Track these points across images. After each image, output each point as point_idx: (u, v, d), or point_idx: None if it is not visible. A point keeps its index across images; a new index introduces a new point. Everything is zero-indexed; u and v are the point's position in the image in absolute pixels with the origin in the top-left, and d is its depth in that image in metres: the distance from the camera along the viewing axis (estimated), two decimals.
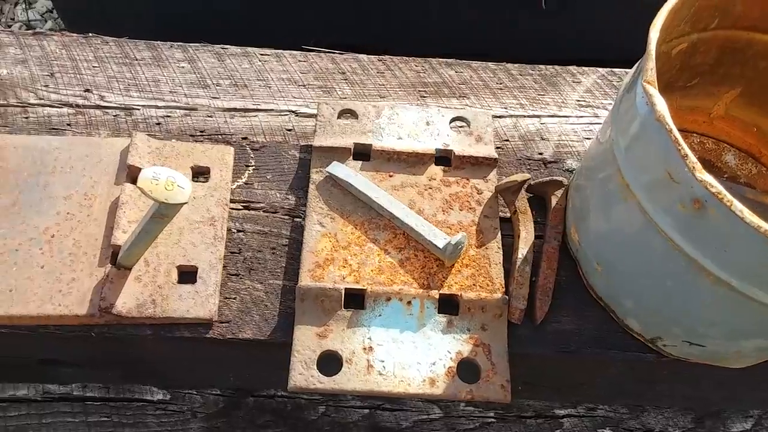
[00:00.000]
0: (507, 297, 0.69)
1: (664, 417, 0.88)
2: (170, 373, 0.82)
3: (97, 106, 0.94)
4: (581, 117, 1.00)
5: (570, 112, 1.01)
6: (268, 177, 0.81)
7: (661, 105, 0.53)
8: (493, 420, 0.87)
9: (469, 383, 0.65)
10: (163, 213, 0.58)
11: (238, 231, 0.76)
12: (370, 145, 0.79)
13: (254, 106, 0.96)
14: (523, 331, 0.71)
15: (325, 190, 0.76)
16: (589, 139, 0.98)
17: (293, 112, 0.96)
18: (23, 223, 0.70)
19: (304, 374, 0.65)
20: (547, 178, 0.78)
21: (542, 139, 0.96)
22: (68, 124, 0.89)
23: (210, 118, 0.93)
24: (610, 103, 1.04)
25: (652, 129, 0.53)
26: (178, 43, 1.04)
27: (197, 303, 0.68)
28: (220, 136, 0.86)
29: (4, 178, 0.72)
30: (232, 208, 0.77)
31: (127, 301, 0.66)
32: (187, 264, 0.70)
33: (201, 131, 0.88)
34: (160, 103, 0.95)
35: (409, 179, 0.78)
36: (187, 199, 0.57)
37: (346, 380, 0.64)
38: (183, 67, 1.01)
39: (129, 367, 0.80)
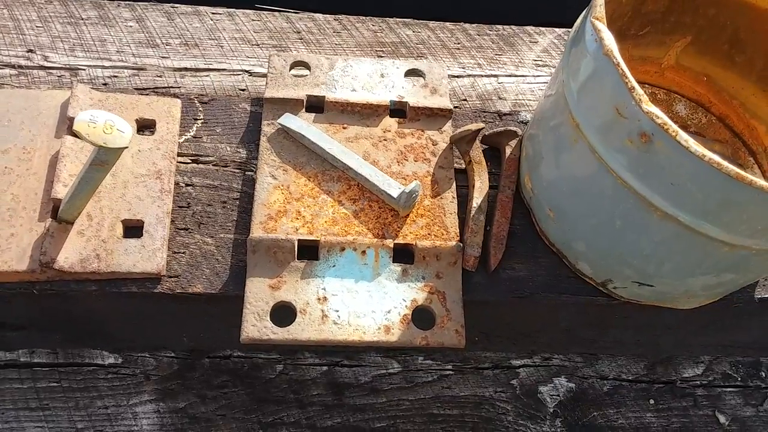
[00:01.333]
0: (461, 245, 0.69)
1: (617, 364, 0.90)
2: (121, 335, 0.80)
3: (41, 67, 0.90)
4: (538, 77, 1.00)
5: (527, 72, 1.01)
6: (217, 130, 0.78)
7: (609, 39, 0.53)
8: (450, 372, 0.87)
9: (423, 329, 0.65)
10: (102, 159, 0.56)
11: (187, 185, 0.73)
12: (324, 96, 0.77)
13: (206, 66, 0.93)
14: (478, 279, 0.71)
15: (276, 143, 0.75)
16: None
17: (247, 71, 0.94)
18: None
19: (257, 325, 0.63)
20: (502, 128, 0.77)
21: (499, 98, 0.95)
22: (10, 86, 0.85)
23: (159, 78, 0.90)
24: None
25: (601, 65, 0.53)
26: (126, 2, 1.00)
27: (144, 257, 0.66)
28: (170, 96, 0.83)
29: None
30: (180, 162, 0.74)
31: (70, 255, 0.63)
32: (133, 218, 0.67)
33: (152, 91, 0.85)
34: (107, 63, 0.91)
35: (363, 131, 0.77)
36: (128, 143, 0.55)
37: (300, 330, 0.64)
38: (131, 26, 0.97)
39: (77, 328, 0.78)
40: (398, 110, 0.80)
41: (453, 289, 0.68)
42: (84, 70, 0.90)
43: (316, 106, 0.78)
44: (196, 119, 0.79)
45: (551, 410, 0.86)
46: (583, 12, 0.64)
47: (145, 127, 0.74)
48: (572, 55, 0.60)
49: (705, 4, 0.75)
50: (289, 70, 0.81)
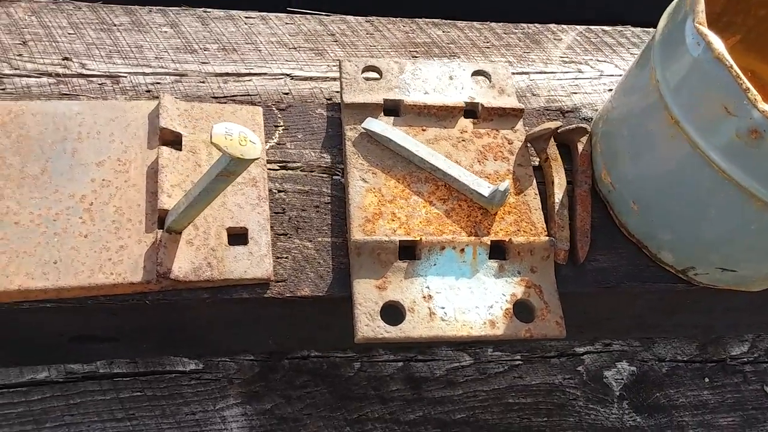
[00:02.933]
0: (553, 239, 0.72)
1: (672, 347, 0.95)
2: (207, 340, 0.81)
3: (80, 75, 0.89)
4: (566, 73, 1.04)
5: (556, 69, 1.05)
6: (299, 137, 0.80)
7: (718, 44, 0.56)
8: (520, 362, 0.91)
9: (526, 322, 0.68)
10: (231, 170, 0.57)
11: (279, 191, 0.74)
12: (401, 100, 0.80)
13: (247, 71, 0.94)
14: (566, 271, 0.74)
15: (362, 147, 0.76)
16: (576, 93, 1.02)
17: (288, 75, 0.95)
18: (57, 192, 0.66)
19: (370, 325, 0.65)
20: (573, 126, 0.81)
21: (533, 94, 0.99)
22: (50, 95, 0.84)
23: (203, 84, 0.90)
24: (591, 59, 1.09)
25: (708, 67, 0.57)
26: (158, 7, 1.00)
27: (253, 263, 0.67)
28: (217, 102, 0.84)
29: (28, 146, 0.68)
30: (270, 169, 0.76)
31: (183, 265, 0.64)
32: (237, 225, 0.68)
33: (196, 98, 0.85)
34: (147, 70, 0.91)
35: (442, 132, 0.79)
36: (260, 154, 0.56)
37: (412, 328, 0.66)
38: (166, 32, 0.97)
39: (165, 337, 0.78)
40: (470, 111, 0.82)
41: (548, 282, 0.71)
42: (125, 77, 0.90)
43: (392, 109, 0.80)
44: (277, 126, 0.80)
45: (617, 393, 0.91)
46: (667, 13, 0.67)
47: None
48: (669, 56, 0.63)
49: (757, 6, 0.80)
50: (361, 74, 0.83)
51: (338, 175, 0.77)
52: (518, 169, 0.78)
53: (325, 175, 0.77)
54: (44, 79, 0.87)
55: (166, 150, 0.69)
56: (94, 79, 0.89)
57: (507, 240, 0.71)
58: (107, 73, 0.90)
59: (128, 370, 0.82)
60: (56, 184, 0.66)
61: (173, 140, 0.71)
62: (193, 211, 0.63)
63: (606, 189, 0.77)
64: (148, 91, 0.89)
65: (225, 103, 0.81)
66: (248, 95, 0.88)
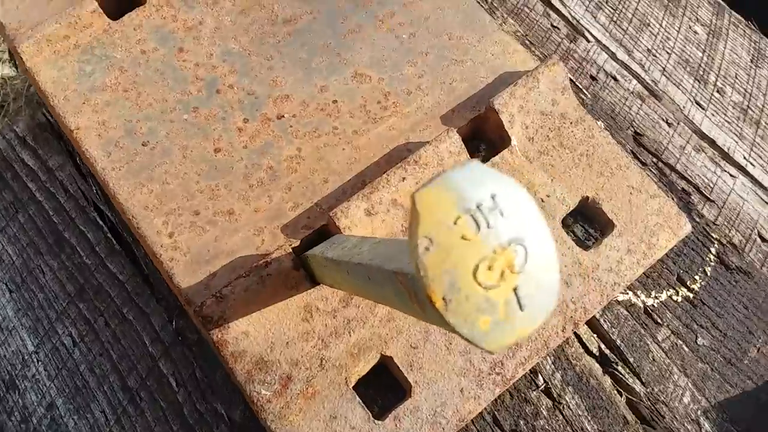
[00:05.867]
0: None
1: None
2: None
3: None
4: None
5: None
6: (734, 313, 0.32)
7: None
8: None
9: None
10: (411, 290, 0.16)
11: (561, 401, 0.30)
12: None
13: None
14: None
15: None
16: None
17: None
18: (283, 64, 0.35)
19: None
20: None
21: None
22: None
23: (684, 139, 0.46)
24: None
25: None
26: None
27: None
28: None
29: None
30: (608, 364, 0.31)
31: (253, 333, 0.28)
32: (402, 370, 0.28)
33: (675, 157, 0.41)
34: (639, 49, 0.51)
35: None
36: (525, 336, 0.14)
37: None
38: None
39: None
40: None
41: None
42: (590, 42, 0.51)
43: None
44: (704, 263, 0.33)
45: None
46: None
47: (595, 221, 0.33)
48: None
49: None
50: None
51: None
52: None
53: None
54: None
55: (452, 142, 0.31)
56: (552, 17, 0.53)
57: None
58: (572, 20, 0.53)
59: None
60: (293, 53, 0.36)
61: (492, 138, 0.33)
62: (333, 271, 0.25)
63: None
64: (609, 80, 0.48)
65: (654, 172, 0.37)
66: (706, 188, 0.41)
